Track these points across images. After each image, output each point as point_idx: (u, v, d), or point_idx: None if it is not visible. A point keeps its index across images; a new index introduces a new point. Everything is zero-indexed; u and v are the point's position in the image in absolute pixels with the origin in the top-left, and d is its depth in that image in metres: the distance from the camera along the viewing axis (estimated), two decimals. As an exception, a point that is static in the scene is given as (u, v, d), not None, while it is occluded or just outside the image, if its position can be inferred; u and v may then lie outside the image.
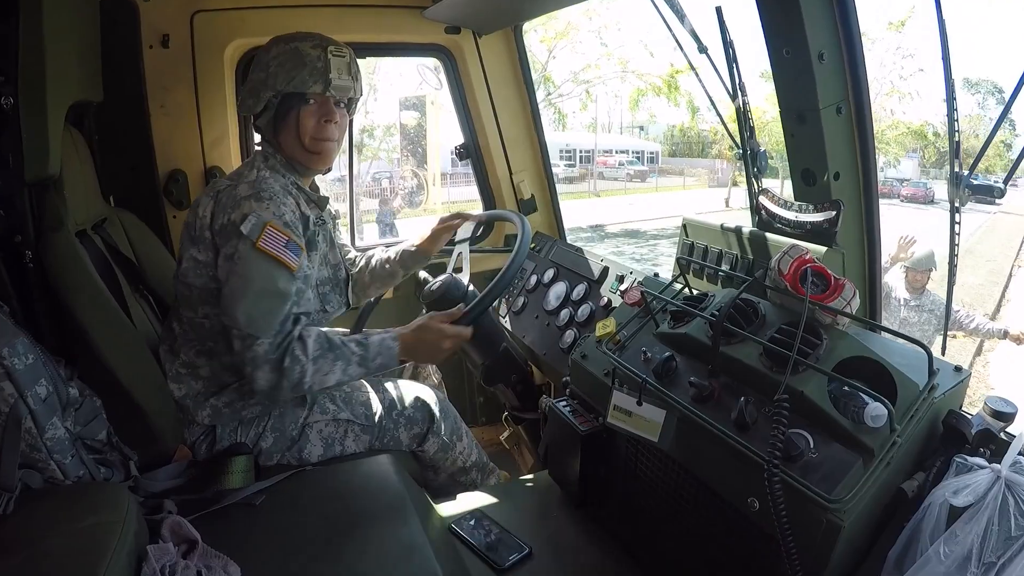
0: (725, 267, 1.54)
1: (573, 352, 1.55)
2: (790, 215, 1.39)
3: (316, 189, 1.54)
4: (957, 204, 1.36)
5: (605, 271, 1.94)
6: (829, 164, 1.35)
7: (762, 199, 1.48)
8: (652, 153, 32.18)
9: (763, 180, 1.62)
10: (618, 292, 1.82)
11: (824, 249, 1.31)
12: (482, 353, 1.93)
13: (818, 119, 1.33)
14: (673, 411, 1.15)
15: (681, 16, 1.66)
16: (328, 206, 1.66)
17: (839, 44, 1.33)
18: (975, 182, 1.27)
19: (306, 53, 1.34)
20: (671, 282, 1.50)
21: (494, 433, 2.43)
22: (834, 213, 1.30)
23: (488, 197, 2.53)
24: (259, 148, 1.43)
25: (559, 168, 25.96)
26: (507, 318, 2.23)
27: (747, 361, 1.08)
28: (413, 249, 1.72)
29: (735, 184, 22.67)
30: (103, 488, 1.10)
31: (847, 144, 1.37)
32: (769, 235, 1.46)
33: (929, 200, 22.85)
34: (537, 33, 14.08)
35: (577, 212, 17.97)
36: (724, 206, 21.25)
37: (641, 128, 33.23)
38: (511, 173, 2.47)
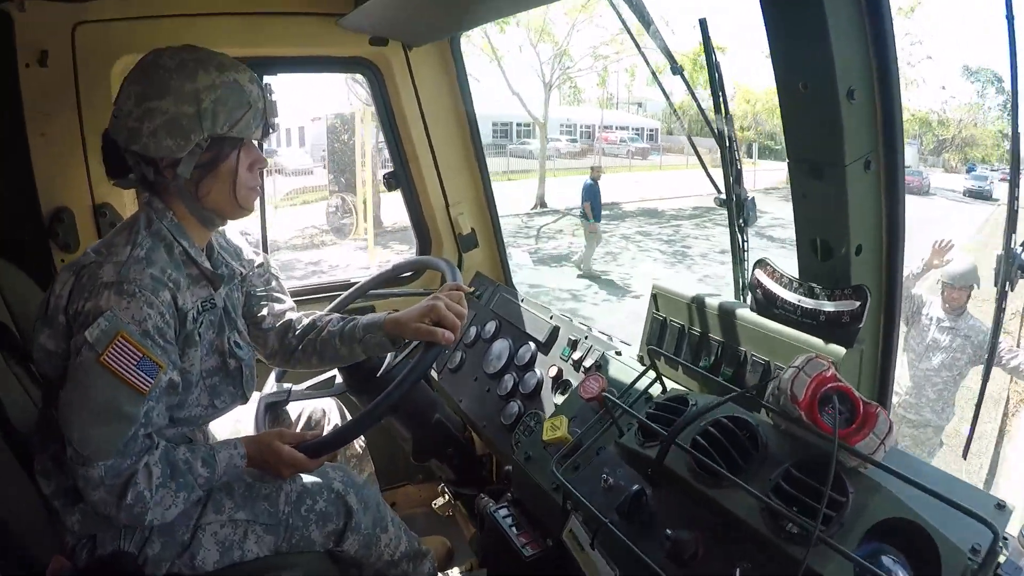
0: (706, 362, 1.25)
1: (517, 448, 1.29)
2: (799, 301, 1.08)
3: (211, 251, 1.27)
4: (1008, 288, 1.09)
5: (555, 332, 1.65)
6: (851, 234, 1.05)
7: (759, 274, 1.16)
8: (651, 130, 31.56)
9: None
10: (570, 361, 1.55)
11: (843, 351, 1.01)
12: (410, 426, 1.65)
13: (841, 176, 1.01)
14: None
15: (648, 24, 1.34)
16: (244, 260, 1.37)
17: (872, 78, 1.01)
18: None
19: (249, 90, 1.12)
20: (639, 376, 1.22)
21: (432, 492, 2.10)
22: (858, 304, 0.99)
23: (423, 233, 2.19)
24: (146, 205, 1.16)
25: (561, 143, 25.54)
26: (442, 375, 1.90)
27: (745, 517, 0.83)
28: (382, 324, 1.33)
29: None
30: None
31: (874, 209, 1.06)
32: (765, 321, 1.16)
33: (924, 191, 21.99)
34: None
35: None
36: (731, 188, 21.06)
37: (639, 104, 32.54)
38: (447, 205, 2.14)
